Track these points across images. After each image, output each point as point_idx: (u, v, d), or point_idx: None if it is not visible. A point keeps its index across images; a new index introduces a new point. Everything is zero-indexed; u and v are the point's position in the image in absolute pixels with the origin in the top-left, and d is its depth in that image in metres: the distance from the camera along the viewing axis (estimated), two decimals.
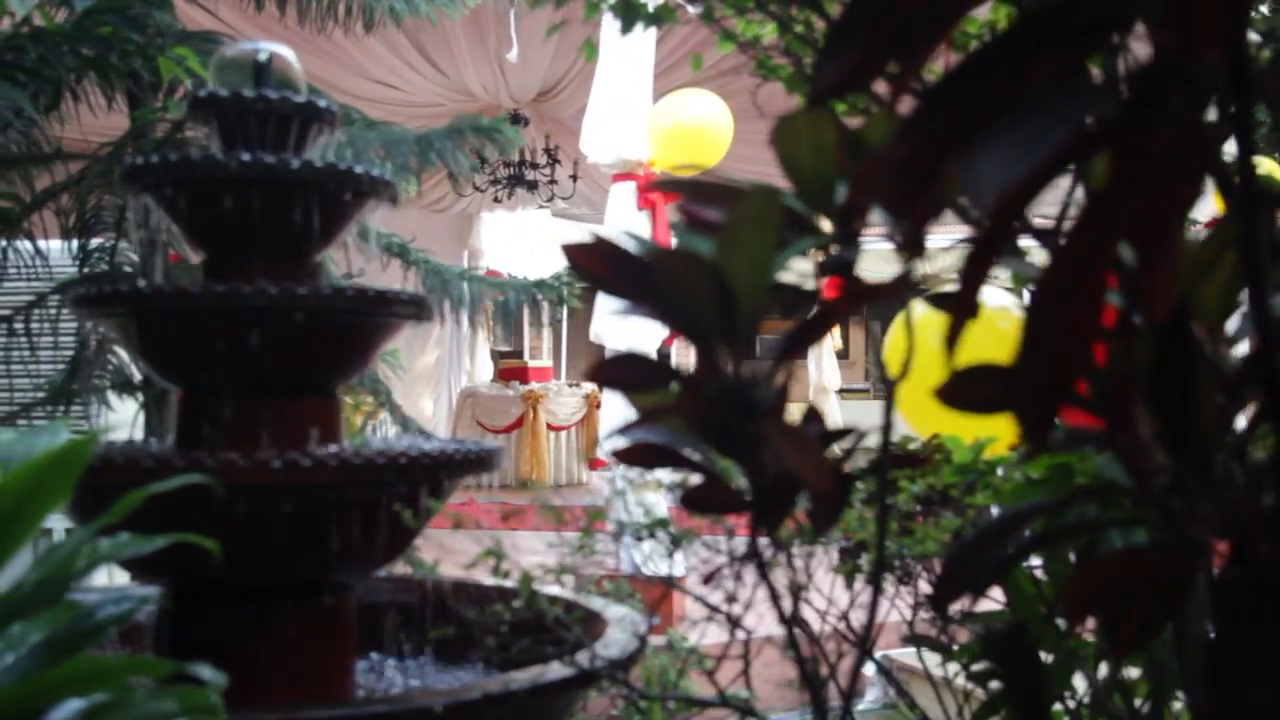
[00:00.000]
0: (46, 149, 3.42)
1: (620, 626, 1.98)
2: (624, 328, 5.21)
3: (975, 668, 1.57)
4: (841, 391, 10.27)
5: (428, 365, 10.35)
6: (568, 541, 1.45)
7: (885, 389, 0.92)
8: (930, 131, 0.63)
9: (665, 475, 1.32)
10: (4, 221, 3.41)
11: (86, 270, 3.54)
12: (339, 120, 2.22)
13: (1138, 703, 1.40)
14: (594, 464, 9.91)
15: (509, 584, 1.48)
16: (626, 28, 2.17)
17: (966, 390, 0.75)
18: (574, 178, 9.12)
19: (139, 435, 3.43)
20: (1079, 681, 1.43)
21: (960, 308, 0.63)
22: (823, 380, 9.61)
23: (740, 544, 1.30)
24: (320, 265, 2.22)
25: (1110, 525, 1.03)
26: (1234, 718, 0.70)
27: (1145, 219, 0.59)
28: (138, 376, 3.57)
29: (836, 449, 0.95)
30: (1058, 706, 1.43)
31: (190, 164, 2.05)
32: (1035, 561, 1.51)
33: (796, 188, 0.84)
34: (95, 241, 3.59)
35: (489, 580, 1.76)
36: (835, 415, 9.13)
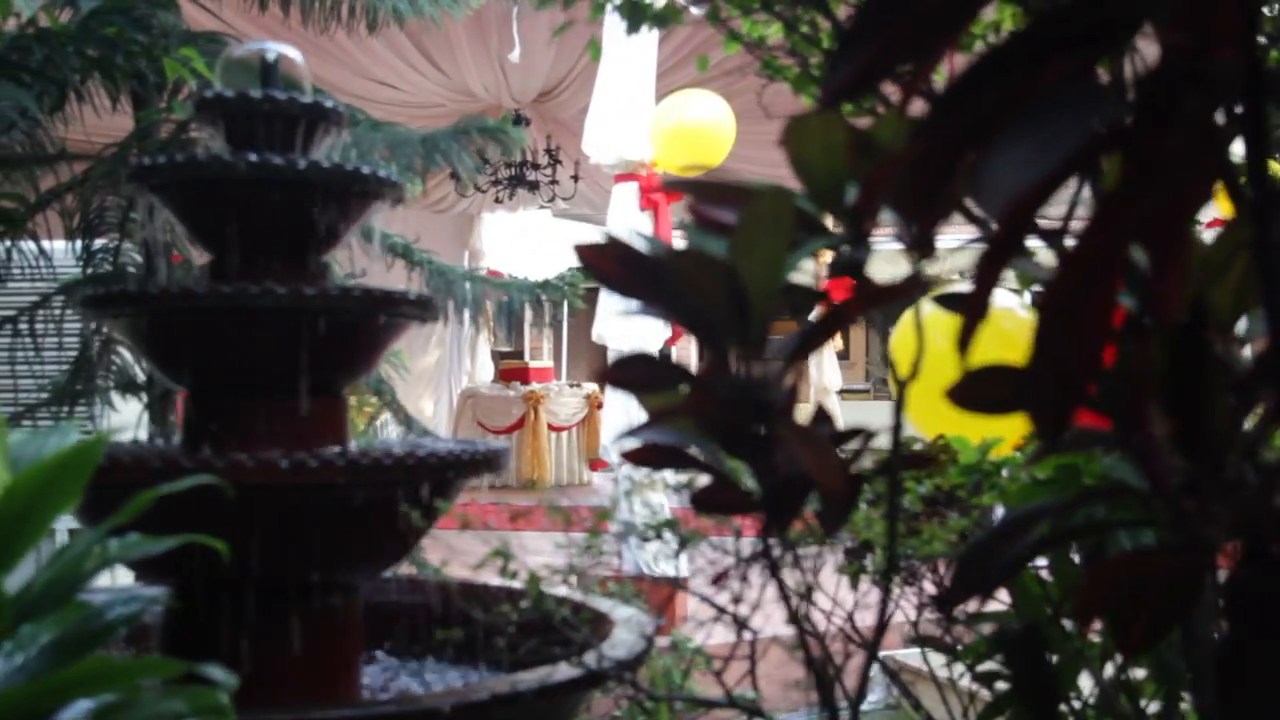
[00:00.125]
0: (50, 150, 3.42)
1: (627, 627, 1.98)
2: (627, 328, 5.21)
3: (981, 668, 1.57)
4: (842, 392, 10.28)
5: (428, 366, 10.35)
6: (575, 542, 1.45)
7: (897, 389, 0.92)
8: (945, 133, 0.63)
9: (670, 476, 1.33)
10: (8, 222, 3.41)
11: (90, 271, 3.54)
12: (345, 121, 2.23)
13: (1143, 703, 1.40)
14: (595, 465, 9.92)
15: (516, 585, 1.48)
16: (633, 29, 2.17)
17: (978, 391, 0.75)
18: (575, 178, 9.12)
19: (143, 436, 3.43)
20: (1082, 682, 1.43)
21: (973, 309, 0.63)
22: (823, 381, 9.62)
23: (746, 545, 1.30)
24: (326, 266, 2.22)
25: (1118, 526, 1.04)
26: (1246, 719, 0.70)
27: (1157, 221, 0.59)
28: (141, 377, 3.57)
29: (844, 450, 0.95)
30: (1062, 707, 1.43)
31: (198, 164, 2.05)
32: (1039, 562, 1.51)
33: (807, 188, 0.84)
34: (99, 242, 3.59)
35: (495, 581, 1.76)
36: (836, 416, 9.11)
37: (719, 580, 1.18)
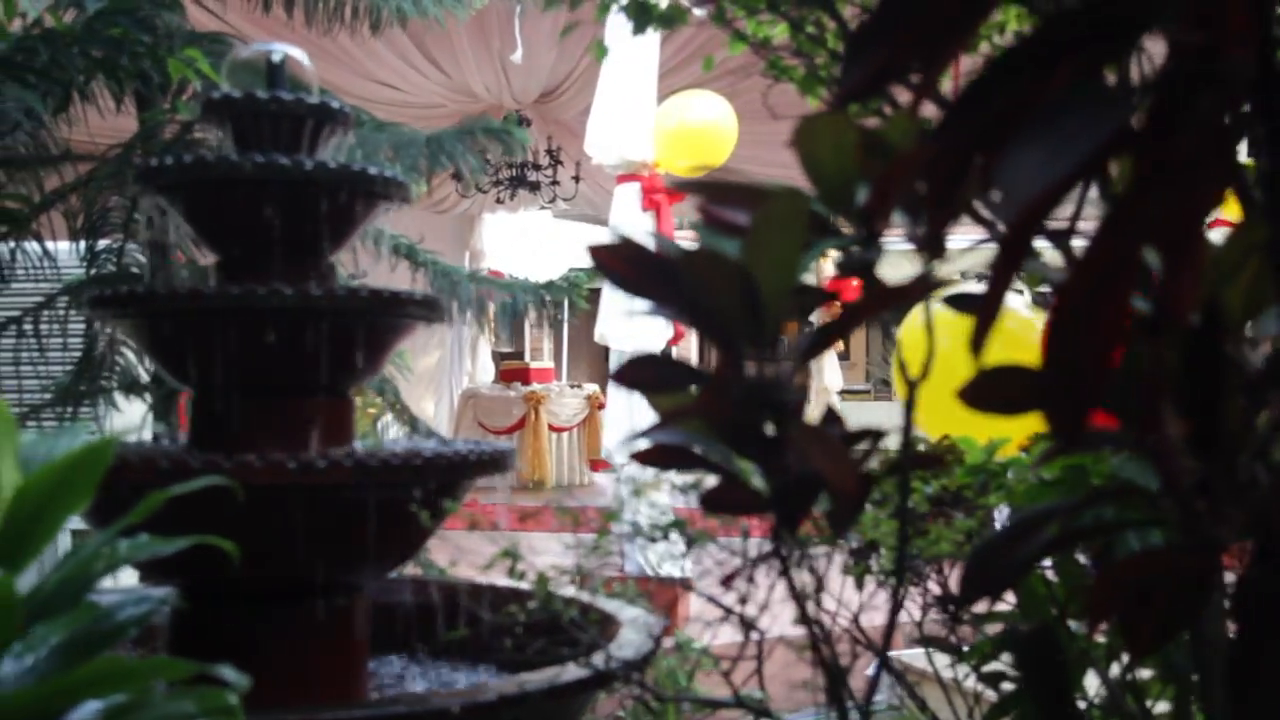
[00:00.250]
0: (55, 150, 3.43)
1: (634, 628, 1.99)
2: (629, 328, 5.21)
3: (986, 669, 1.57)
4: (843, 393, 10.28)
5: (429, 366, 10.35)
6: (582, 543, 1.46)
7: (906, 390, 0.93)
8: (957, 136, 0.64)
9: (675, 476, 1.32)
10: (13, 222, 3.42)
11: (94, 272, 3.55)
12: (352, 121, 2.23)
13: (1149, 703, 1.40)
14: (595, 465, 9.92)
15: (523, 585, 1.48)
16: (639, 29, 2.17)
17: (990, 391, 0.75)
18: (576, 179, 9.13)
19: (147, 436, 3.43)
20: (1086, 682, 1.43)
21: (986, 310, 0.64)
22: (824, 381, 9.63)
23: (754, 545, 1.30)
24: (332, 266, 2.22)
25: (1127, 527, 1.04)
26: (1258, 718, 0.70)
27: (1170, 222, 0.60)
28: (145, 377, 3.57)
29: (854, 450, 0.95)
30: None
31: (205, 165, 2.06)
32: (1044, 563, 1.51)
33: (818, 188, 0.84)
34: (103, 243, 3.59)
35: (502, 581, 1.76)
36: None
37: (729, 581, 1.18)
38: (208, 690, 1.04)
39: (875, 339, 15.15)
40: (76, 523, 2.88)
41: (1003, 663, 1.55)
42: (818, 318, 5.20)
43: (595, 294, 5.13)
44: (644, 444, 0.89)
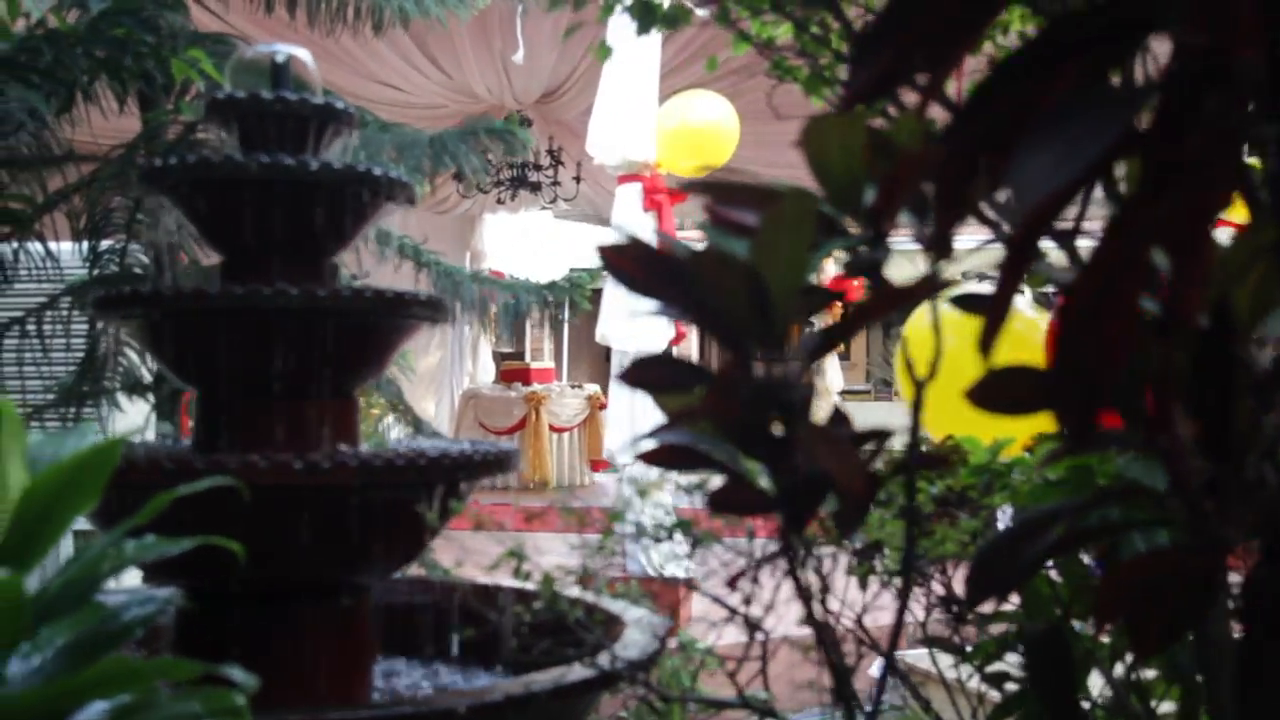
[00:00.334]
0: (58, 151, 3.43)
1: (639, 628, 1.99)
2: (631, 329, 5.22)
3: (990, 669, 1.57)
4: (843, 393, 10.27)
5: (430, 366, 10.36)
6: (586, 543, 1.45)
7: (913, 390, 0.93)
8: (966, 139, 0.64)
9: (679, 476, 1.32)
10: (16, 223, 3.42)
11: (97, 272, 3.55)
12: (356, 122, 2.23)
13: (1154, 703, 1.40)
14: (596, 465, 9.92)
15: (529, 586, 1.48)
16: (643, 30, 2.18)
17: (998, 391, 0.75)
18: (577, 179, 9.13)
19: (150, 437, 3.44)
20: (1090, 683, 1.43)
21: (995, 310, 0.64)
22: (825, 382, 9.61)
23: (759, 545, 1.30)
24: (336, 267, 2.23)
25: (1134, 527, 1.04)
26: (1264, 718, 0.71)
27: (1178, 224, 0.60)
28: (148, 378, 3.57)
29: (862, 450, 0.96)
30: None
31: (210, 165, 2.06)
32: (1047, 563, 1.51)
33: (826, 189, 0.84)
34: (106, 243, 3.59)
35: (507, 582, 1.76)
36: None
37: (736, 581, 1.18)
38: (214, 691, 1.04)
39: (875, 339, 15.14)
40: (78, 523, 2.86)
41: (1007, 663, 1.55)
42: (819, 319, 5.20)
43: (597, 294, 5.14)
44: (651, 444, 0.89)
